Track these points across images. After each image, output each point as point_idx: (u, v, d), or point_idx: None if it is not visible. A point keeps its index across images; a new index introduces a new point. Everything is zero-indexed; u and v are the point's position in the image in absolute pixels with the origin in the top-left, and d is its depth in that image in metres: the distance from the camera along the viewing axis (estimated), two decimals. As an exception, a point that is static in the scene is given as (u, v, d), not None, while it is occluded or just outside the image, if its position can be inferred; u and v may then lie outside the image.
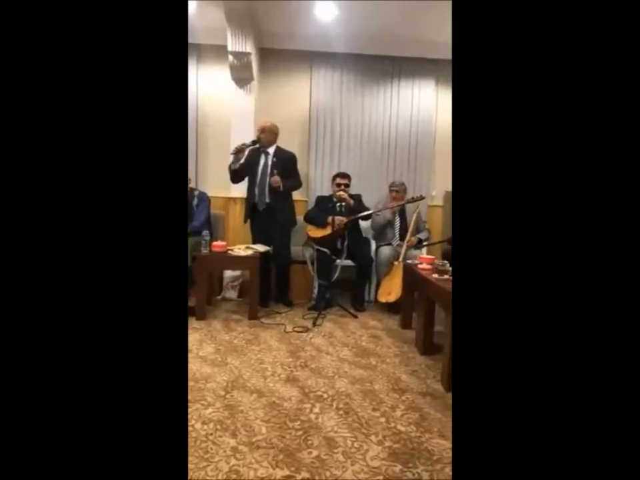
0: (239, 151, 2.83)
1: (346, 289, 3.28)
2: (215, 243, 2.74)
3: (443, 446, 1.30)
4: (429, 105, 3.86)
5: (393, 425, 1.42)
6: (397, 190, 3.26)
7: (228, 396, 1.59)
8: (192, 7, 3.11)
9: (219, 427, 1.36)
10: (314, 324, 2.61)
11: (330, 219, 3.00)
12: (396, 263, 2.97)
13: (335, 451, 1.25)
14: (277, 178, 2.83)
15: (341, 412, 1.50)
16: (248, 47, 3.24)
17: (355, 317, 2.83)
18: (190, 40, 3.61)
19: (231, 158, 2.88)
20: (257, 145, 2.90)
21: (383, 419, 1.46)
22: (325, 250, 2.98)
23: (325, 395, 1.63)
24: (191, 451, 1.22)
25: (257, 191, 2.92)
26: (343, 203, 3.11)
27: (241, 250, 2.77)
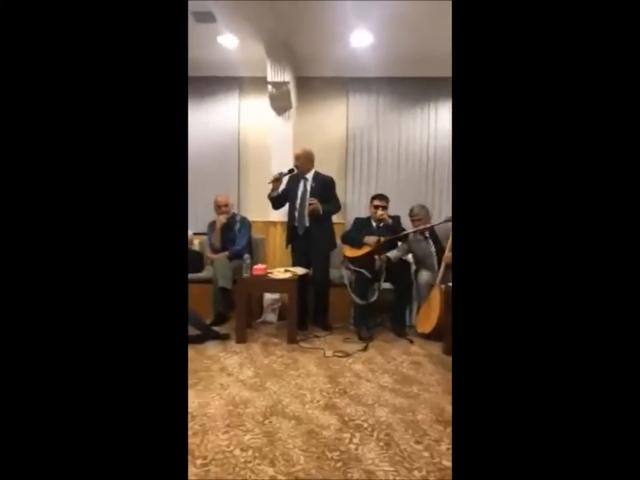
0: (275, 180, 2.93)
1: (386, 312, 3.20)
2: (255, 266, 2.80)
3: (492, 486, 1.21)
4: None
5: (437, 459, 1.34)
6: (419, 217, 3.10)
7: (267, 422, 1.58)
8: (234, 42, 3.30)
9: (257, 454, 1.35)
10: (365, 349, 2.57)
11: (366, 238, 2.98)
12: (434, 286, 2.86)
13: (376, 485, 1.20)
14: (314, 205, 2.87)
15: (382, 443, 1.44)
16: (286, 77, 3.37)
17: (411, 341, 2.75)
18: (232, 73, 3.83)
19: (270, 187, 2.97)
20: (294, 172, 2.98)
21: (426, 453, 1.38)
22: (362, 270, 2.95)
23: (365, 425, 1.58)
24: (229, 478, 1.22)
25: (296, 215, 2.98)
26: (381, 224, 3.09)
27: (279, 273, 2.81)
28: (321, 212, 2.90)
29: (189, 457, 1.31)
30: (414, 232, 3.08)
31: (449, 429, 1.55)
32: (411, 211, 3.18)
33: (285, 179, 3.01)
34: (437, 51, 3.33)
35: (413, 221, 3.16)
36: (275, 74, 3.37)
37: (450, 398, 1.85)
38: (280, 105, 3.58)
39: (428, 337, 2.80)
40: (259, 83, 3.70)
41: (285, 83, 3.39)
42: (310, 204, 2.89)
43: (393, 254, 3.00)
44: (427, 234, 3.10)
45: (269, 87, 3.42)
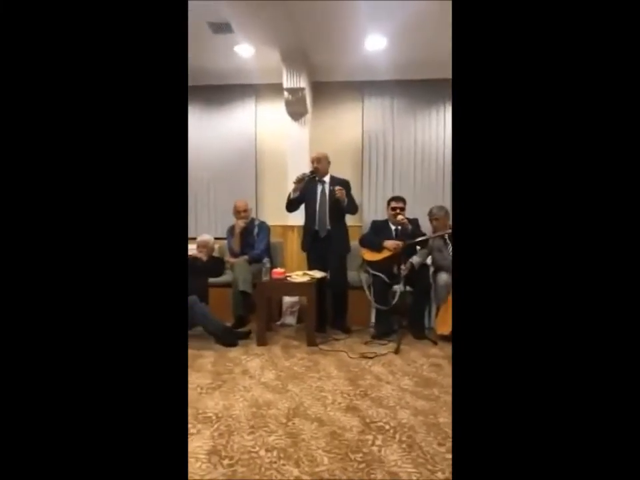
0: (300, 180, 2.96)
1: (405, 314, 3.20)
2: (274, 270, 2.84)
3: (517, 488, 1.21)
4: (484, 124, 3.77)
5: (460, 462, 1.35)
6: (437, 218, 3.11)
7: (290, 424, 1.61)
8: (250, 51, 3.37)
9: (282, 455, 1.38)
10: (396, 351, 2.56)
11: (386, 243, 3.00)
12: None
13: (400, 486, 1.22)
14: (339, 188, 2.88)
15: (404, 445, 1.45)
16: (302, 83, 3.42)
17: (435, 343, 2.76)
18: (248, 81, 3.91)
19: (292, 187, 3.01)
20: (314, 175, 3.02)
21: (449, 455, 1.39)
22: (381, 275, 2.96)
23: (387, 427, 1.59)
24: (255, 478, 1.25)
25: (317, 218, 3.01)
26: (399, 227, 3.09)
27: (298, 276, 2.84)
28: (345, 201, 2.91)
29: (216, 458, 1.35)
30: (434, 237, 3.08)
31: (472, 432, 1.55)
32: (430, 211, 3.19)
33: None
34: (448, 52, 3.32)
35: (431, 221, 3.17)
36: (290, 80, 3.42)
37: (471, 400, 1.84)
38: (296, 110, 3.63)
39: (448, 338, 2.80)
40: (275, 89, 3.76)
41: (301, 89, 3.44)
42: (337, 190, 2.88)
43: (415, 260, 2.99)
44: (446, 236, 3.09)
45: (285, 93, 3.48)
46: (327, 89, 3.94)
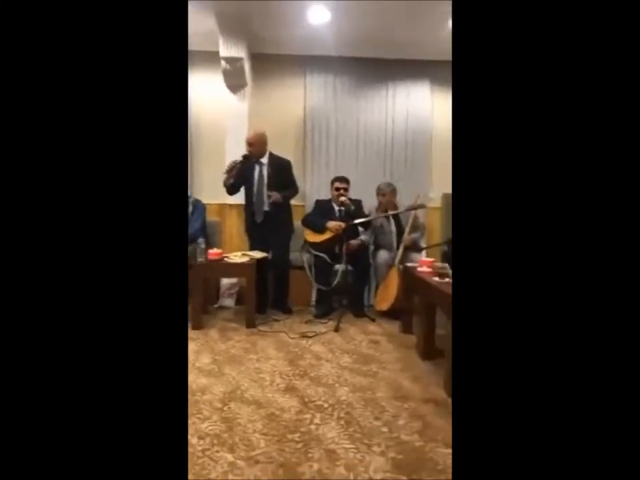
0: (230, 170, 2.82)
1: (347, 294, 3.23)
2: (210, 251, 2.70)
3: (447, 455, 1.25)
4: (425, 107, 3.84)
5: (395, 434, 1.38)
6: (383, 193, 3.15)
7: (225, 408, 1.54)
8: (183, 13, 3.09)
9: (215, 441, 1.31)
10: (336, 329, 2.58)
11: (329, 224, 2.96)
12: (393, 267, 2.93)
13: (337, 463, 1.21)
14: (275, 195, 2.81)
15: (342, 422, 1.45)
16: (240, 53, 3.22)
17: (373, 320, 2.83)
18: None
19: (224, 177, 2.86)
20: (247, 159, 2.87)
21: (385, 429, 1.41)
22: (323, 255, 2.95)
23: (325, 405, 1.58)
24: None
25: (254, 201, 2.89)
26: (343, 208, 3.08)
27: (236, 257, 2.73)
28: (281, 201, 2.85)
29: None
30: (377, 218, 3.11)
31: (407, 404, 1.59)
32: (378, 187, 3.20)
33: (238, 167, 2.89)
34: (394, 32, 3.31)
35: (378, 196, 3.19)
36: (228, 49, 3.20)
37: (407, 374, 1.90)
38: (234, 82, 3.42)
39: (386, 314, 2.87)
40: (211, 57, 3.50)
41: (239, 59, 3.24)
42: (269, 196, 2.82)
43: (364, 237, 3.09)
44: (390, 216, 3.14)
45: (222, 62, 3.25)
46: (267, 61, 3.75)
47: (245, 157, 2.85)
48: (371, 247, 3.23)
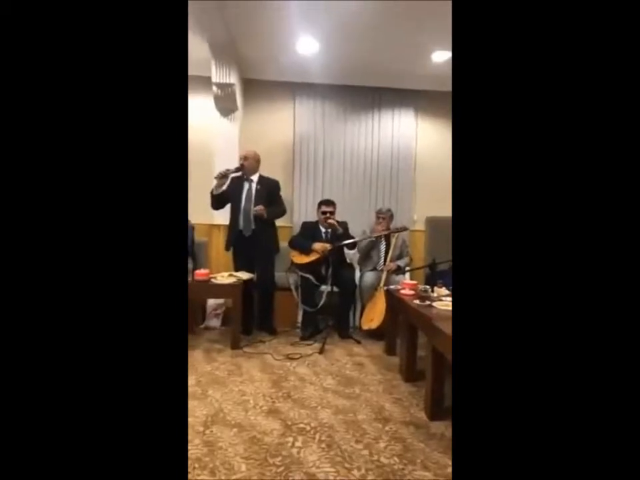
0: (222, 176, 2.82)
1: (332, 315, 3.26)
2: (197, 272, 2.72)
3: (425, 478, 1.28)
4: (409, 134, 3.99)
5: (376, 457, 1.40)
6: (384, 217, 3.27)
7: (207, 432, 1.54)
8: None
9: (196, 465, 1.32)
10: (321, 351, 2.61)
11: (315, 245, 3.02)
12: (379, 288, 2.98)
13: (317, 487, 1.22)
14: (260, 207, 2.86)
15: (324, 445, 1.47)
16: (232, 78, 3.32)
17: (358, 342, 2.86)
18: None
19: (214, 183, 2.87)
20: (240, 173, 2.93)
21: (365, 452, 1.43)
22: (309, 276, 2.98)
23: (308, 428, 1.60)
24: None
25: (241, 217, 2.93)
26: (329, 230, 3.14)
27: (223, 278, 2.75)
28: (265, 217, 2.89)
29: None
30: (361, 240, 3.19)
31: (387, 427, 1.62)
32: (379, 211, 3.32)
33: (229, 179, 2.93)
34: (380, 63, 3.46)
35: (377, 217, 3.31)
36: (220, 75, 3.30)
37: (389, 397, 1.93)
38: (225, 106, 3.52)
39: (371, 334, 2.91)
40: (203, 82, 3.61)
41: (230, 85, 3.34)
42: (255, 210, 2.87)
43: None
44: (377, 238, 3.24)
45: (214, 87, 3.35)
46: (258, 86, 3.87)
47: (237, 168, 2.89)
48: (357, 271, 3.30)
